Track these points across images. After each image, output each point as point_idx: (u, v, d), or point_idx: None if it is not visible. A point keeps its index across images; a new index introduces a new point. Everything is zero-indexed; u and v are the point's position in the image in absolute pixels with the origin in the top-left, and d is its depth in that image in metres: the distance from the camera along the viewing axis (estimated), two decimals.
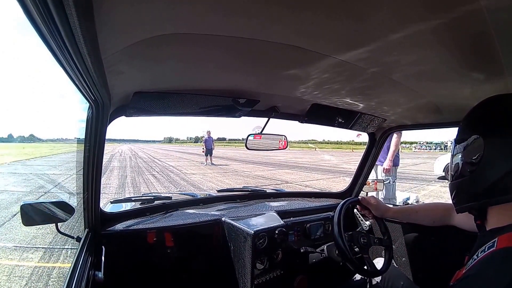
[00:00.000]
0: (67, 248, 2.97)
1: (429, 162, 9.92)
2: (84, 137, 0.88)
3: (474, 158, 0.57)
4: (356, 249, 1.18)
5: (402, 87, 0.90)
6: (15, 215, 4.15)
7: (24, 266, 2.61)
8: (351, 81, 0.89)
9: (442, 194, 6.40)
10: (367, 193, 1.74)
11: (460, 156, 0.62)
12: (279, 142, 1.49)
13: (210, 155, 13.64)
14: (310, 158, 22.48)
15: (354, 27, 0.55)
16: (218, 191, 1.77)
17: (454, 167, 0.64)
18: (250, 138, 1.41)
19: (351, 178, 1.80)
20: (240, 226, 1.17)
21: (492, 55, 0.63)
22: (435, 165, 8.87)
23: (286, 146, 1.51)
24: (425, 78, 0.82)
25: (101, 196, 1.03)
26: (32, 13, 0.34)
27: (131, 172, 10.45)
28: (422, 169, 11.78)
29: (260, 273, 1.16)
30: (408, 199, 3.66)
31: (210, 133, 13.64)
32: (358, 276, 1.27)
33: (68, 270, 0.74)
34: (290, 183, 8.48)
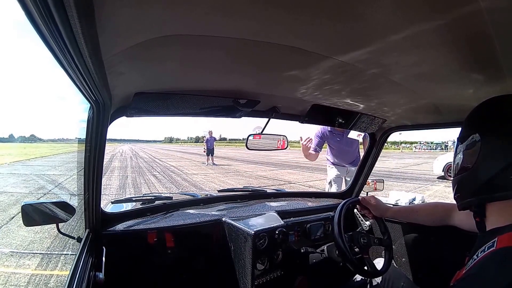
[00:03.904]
0: (67, 249, 2.98)
1: (431, 162, 9.92)
2: (85, 138, 0.88)
3: (472, 154, 0.59)
4: (356, 250, 1.18)
5: (402, 88, 0.90)
6: (14, 216, 4.16)
7: (24, 266, 2.62)
8: (351, 82, 0.89)
9: (447, 194, 6.26)
10: (367, 193, 1.75)
11: (461, 153, 0.64)
12: (279, 142, 1.50)
13: (212, 155, 13.59)
14: None
15: (354, 28, 0.55)
16: (219, 191, 1.78)
17: (457, 163, 0.66)
18: (250, 138, 1.41)
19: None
20: (240, 226, 1.17)
21: (491, 56, 0.63)
22: (434, 165, 8.82)
23: (286, 146, 1.52)
24: (424, 79, 0.82)
25: (101, 196, 1.03)
26: (33, 14, 0.34)
27: (132, 172, 10.45)
28: (425, 169, 11.73)
29: (261, 273, 1.16)
30: (414, 199, 3.66)
31: (212, 132, 13.57)
32: (358, 277, 1.26)
33: (68, 271, 0.74)
34: (293, 183, 8.43)
